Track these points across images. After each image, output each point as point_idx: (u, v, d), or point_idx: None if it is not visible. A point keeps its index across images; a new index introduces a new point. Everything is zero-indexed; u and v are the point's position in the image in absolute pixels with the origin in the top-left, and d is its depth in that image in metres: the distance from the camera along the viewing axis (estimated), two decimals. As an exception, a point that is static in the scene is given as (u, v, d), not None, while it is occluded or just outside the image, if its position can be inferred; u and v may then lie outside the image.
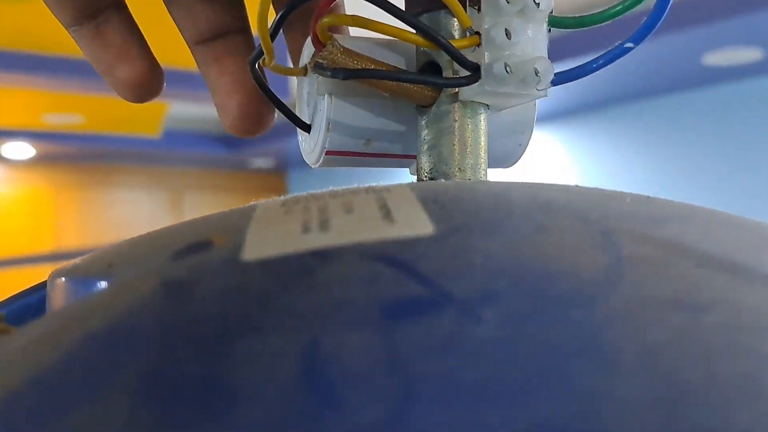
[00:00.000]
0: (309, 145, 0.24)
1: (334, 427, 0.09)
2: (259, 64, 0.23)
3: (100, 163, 3.22)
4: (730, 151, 1.96)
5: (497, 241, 0.13)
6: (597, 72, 0.21)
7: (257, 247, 0.14)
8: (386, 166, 0.26)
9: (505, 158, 0.25)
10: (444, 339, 0.10)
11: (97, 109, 2.33)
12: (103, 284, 0.15)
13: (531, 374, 0.09)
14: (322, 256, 0.13)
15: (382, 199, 0.16)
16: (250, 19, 0.25)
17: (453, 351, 0.10)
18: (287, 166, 3.65)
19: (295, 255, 0.13)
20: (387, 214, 0.15)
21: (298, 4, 0.21)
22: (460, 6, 0.20)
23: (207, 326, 0.11)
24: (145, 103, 0.26)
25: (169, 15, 0.26)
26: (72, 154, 3.09)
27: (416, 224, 0.14)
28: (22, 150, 2.96)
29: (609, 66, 0.21)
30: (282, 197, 0.18)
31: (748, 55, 1.75)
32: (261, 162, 3.46)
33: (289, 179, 3.87)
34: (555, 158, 2.36)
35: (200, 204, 3.47)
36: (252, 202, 0.19)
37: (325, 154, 0.23)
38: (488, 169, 0.25)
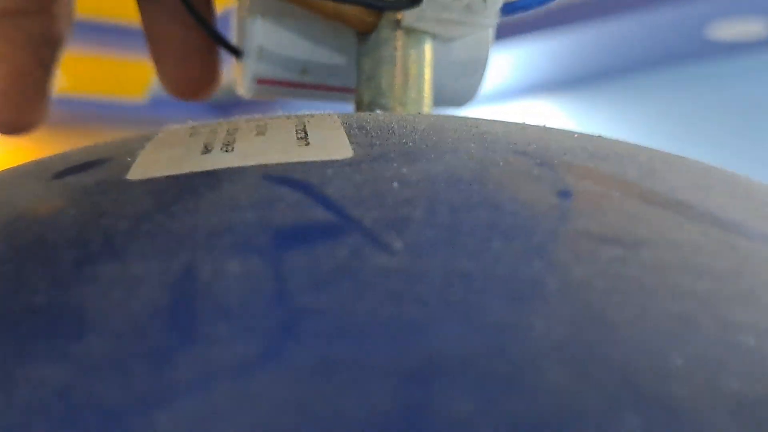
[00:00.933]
0: (242, 74, 0.22)
1: (187, 363, 0.07)
2: None
3: (82, 126, 3.11)
4: (733, 126, 1.95)
5: (419, 168, 0.11)
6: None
7: (145, 167, 0.12)
8: (326, 98, 0.24)
9: (456, 97, 0.23)
10: (339, 268, 0.09)
11: (80, 70, 2.23)
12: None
13: (432, 307, 0.08)
14: (215, 176, 0.11)
15: (303, 124, 0.15)
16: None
17: (346, 281, 0.08)
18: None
19: (185, 175, 0.12)
20: (303, 137, 0.13)
21: None
22: None
23: (64, 250, 0.09)
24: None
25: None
26: (53, 116, 2.98)
27: (333, 148, 0.13)
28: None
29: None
30: (195, 123, 0.17)
31: (753, 27, 1.72)
32: None
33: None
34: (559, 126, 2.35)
35: None
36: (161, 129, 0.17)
37: (257, 83, 0.21)
38: (441, 108, 0.24)
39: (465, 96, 0.23)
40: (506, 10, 0.19)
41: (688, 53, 1.94)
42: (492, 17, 0.18)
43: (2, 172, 0.16)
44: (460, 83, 0.23)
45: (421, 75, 0.20)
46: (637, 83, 2.10)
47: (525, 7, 0.19)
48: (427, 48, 0.20)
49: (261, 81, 0.21)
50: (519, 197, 0.11)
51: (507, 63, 1.75)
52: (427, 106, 0.20)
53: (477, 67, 0.23)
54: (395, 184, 0.11)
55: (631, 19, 1.61)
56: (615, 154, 0.13)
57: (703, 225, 0.10)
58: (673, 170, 0.13)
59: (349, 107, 0.23)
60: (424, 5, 0.18)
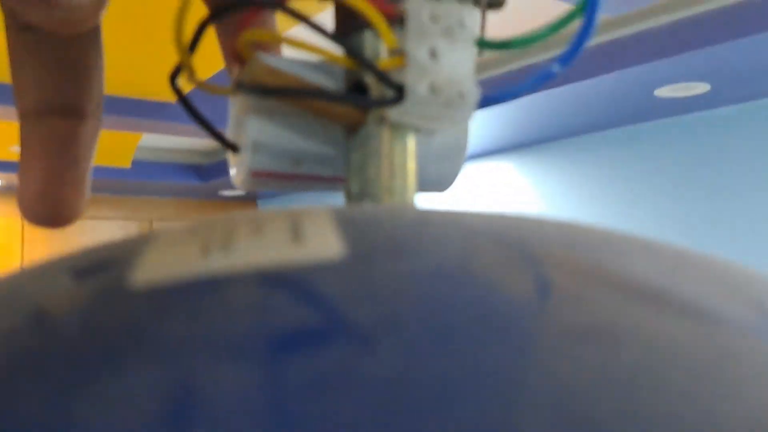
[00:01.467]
0: (237, 167, 0.23)
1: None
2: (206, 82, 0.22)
3: None
4: (682, 179, 2.03)
5: (407, 265, 0.12)
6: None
7: (145, 271, 0.13)
8: (320, 189, 0.25)
9: (437, 183, 0.24)
10: (332, 375, 0.09)
11: None
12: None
13: (419, 413, 0.08)
14: (214, 280, 0.12)
15: (296, 221, 0.15)
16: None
17: (339, 389, 0.09)
18: (257, 194, 3.61)
19: (185, 279, 0.12)
20: (297, 236, 0.14)
21: (218, 17, 0.20)
22: (386, 25, 0.19)
23: (59, 361, 0.10)
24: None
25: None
26: None
27: (324, 246, 0.13)
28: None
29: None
30: (193, 222, 0.17)
31: (697, 88, 1.82)
32: (230, 191, 3.40)
33: (259, 208, 3.85)
34: (516, 187, 2.40)
35: None
36: (161, 228, 0.18)
37: (252, 176, 0.22)
38: (425, 194, 0.24)
39: (445, 181, 0.24)
40: (482, 103, 0.20)
41: (639, 113, 2.04)
42: (469, 111, 0.19)
43: (31, 265, 0.16)
44: (440, 169, 0.23)
45: (405, 166, 0.20)
46: (592, 142, 2.19)
47: (499, 100, 0.20)
48: (410, 141, 0.21)
49: (256, 174, 0.22)
50: (503, 294, 0.11)
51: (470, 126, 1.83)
52: (411, 193, 0.21)
53: (456, 154, 0.24)
54: (385, 283, 0.11)
55: (586, 84, 1.70)
56: (590, 243, 0.14)
57: (680, 316, 0.11)
58: (646, 257, 0.14)
59: (339, 196, 0.24)
60: (406, 102, 0.19)
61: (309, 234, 0.14)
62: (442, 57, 0.19)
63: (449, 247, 0.13)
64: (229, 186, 3.20)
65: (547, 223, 0.15)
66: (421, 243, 0.13)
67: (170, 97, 2.01)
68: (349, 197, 0.21)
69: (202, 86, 0.21)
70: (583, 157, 2.20)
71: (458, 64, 0.19)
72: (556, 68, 0.19)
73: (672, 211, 1.99)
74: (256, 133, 0.21)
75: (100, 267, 0.14)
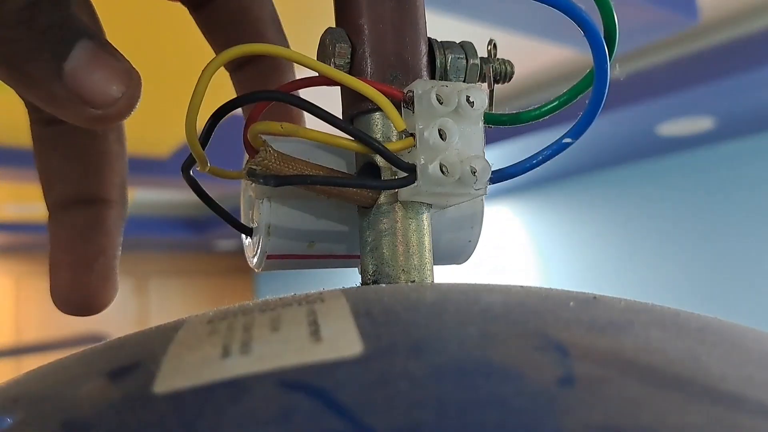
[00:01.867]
0: (251, 249, 0.23)
1: None
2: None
3: None
4: (687, 218, 1.99)
5: (426, 363, 0.12)
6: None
7: (170, 377, 0.13)
8: (332, 266, 0.25)
9: (455, 255, 0.24)
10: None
11: None
12: (7, 421, 0.14)
13: None
14: (236, 386, 0.12)
15: (313, 313, 0.15)
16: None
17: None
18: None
19: (208, 387, 0.12)
20: (315, 331, 0.14)
21: (226, 113, 0.20)
22: (394, 108, 0.20)
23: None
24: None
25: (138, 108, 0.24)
26: (33, 244, 3.04)
27: (343, 344, 0.13)
28: (-19, 241, 2.91)
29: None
30: (212, 312, 0.17)
31: (701, 124, 1.81)
32: (226, 244, 3.41)
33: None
34: (513, 232, 2.37)
35: (166, 289, 3.37)
36: (180, 319, 0.18)
37: (267, 258, 0.22)
38: (441, 266, 0.24)
39: (463, 252, 0.24)
40: (494, 178, 0.20)
41: (640, 151, 2.01)
42: (482, 186, 0.19)
43: (25, 378, 0.16)
44: (456, 240, 0.24)
45: (421, 243, 0.21)
46: (592, 182, 2.16)
47: (513, 174, 0.20)
48: (425, 217, 0.21)
49: (271, 256, 0.22)
50: (523, 389, 0.11)
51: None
52: (428, 270, 0.21)
53: (473, 224, 0.24)
54: (405, 384, 0.11)
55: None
56: (610, 324, 0.14)
57: (703, 404, 0.11)
58: (667, 337, 0.14)
59: (354, 275, 0.24)
60: (418, 182, 0.19)
61: (327, 330, 0.14)
62: (452, 136, 0.19)
63: (469, 340, 0.13)
64: (224, 237, 3.19)
65: (567, 300, 0.15)
66: (440, 336, 0.13)
67: (163, 153, 2.02)
68: (364, 276, 0.21)
69: (213, 172, 0.22)
70: (583, 198, 2.17)
71: (468, 142, 0.20)
72: (568, 140, 0.20)
73: (675, 255, 1.94)
74: (270, 217, 0.22)
75: (125, 371, 0.14)
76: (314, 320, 0.15)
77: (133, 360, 0.14)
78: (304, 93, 0.22)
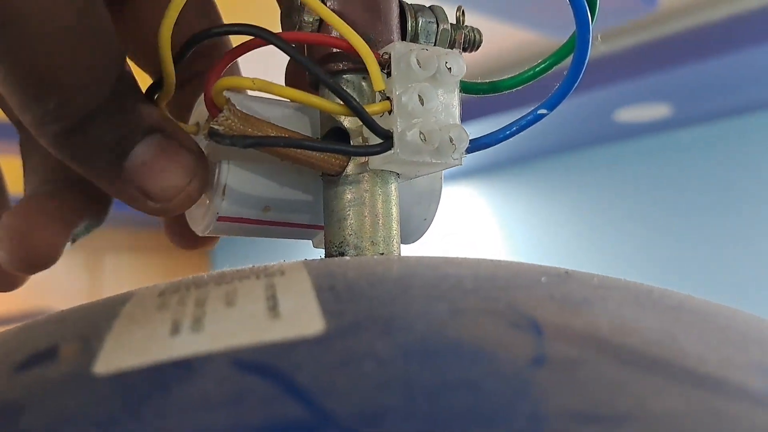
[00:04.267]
0: (198, 210, 0.22)
1: None
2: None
3: None
4: (645, 203, 2.02)
5: (393, 342, 0.11)
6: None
7: (113, 355, 0.12)
8: (287, 236, 0.24)
9: (409, 233, 0.23)
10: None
11: (12, 169, 2.26)
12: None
13: None
14: (185, 367, 0.11)
15: (272, 287, 0.14)
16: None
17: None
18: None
19: (154, 367, 0.11)
20: (273, 306, 0.13)
21: (201, 40, 0.19)
22: (377, 65, 0.18)
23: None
24: None
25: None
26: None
27: (304, 320, 0.12)
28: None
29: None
30: (164, 284, 0.16)
31: (657, 111, 1.82)
32: None
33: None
34: (477, 213, 2.39)
35: (121, 265, 3.27)
36: (130, 291, 0.17)
37: (217, 221, 0.21)
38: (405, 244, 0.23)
39: (418, 231, 0.23)
40: (470, 148, 0.19)
41: (598, 136, 2.03)
42: (458, 156, 0.19)
43: None
44: (414, 218, 0.23)
45: (389, 214, 0.20)
46: (551, 166, 2.18)
47: (488, 144, 0.19)
48: (394, 187, 0.20)
49: (221, 218, 0.21)
50: (495, 371, 0.10)
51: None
52: (396, 243, 0.20)
53: (431, 201, 0.23)
54: (369, 365, 0.11)
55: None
56: (584, 302, 0.13)
57: (682, 387, 0.10)
58: (643, 315, 0.13)
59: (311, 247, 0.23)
60: (395, 150, 0.18)
61: (286, 305, 0.13)
62: (430, 102, 0.18)
63: (438, 318, 0.12)
64: (183, 212, 3.11)
65: (538, 276, 0.15)
66: (408, 313, 0.12)
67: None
68: (329, 247, 0.20)
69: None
70: (544, 181, 2.19)
71: (446, 109, 0.19)
72: (543, 111, 0.19)
73: (634, 238, 1.97)
74: (227, 178, 0.20)
75: (64, 348, 0.13)
76: (273, 295, 0.14)
77: (74, 336, 0.13)
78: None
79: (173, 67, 0.19)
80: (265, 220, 0.21)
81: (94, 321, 0.14)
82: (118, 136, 0.18)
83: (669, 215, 1.95)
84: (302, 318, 0.12)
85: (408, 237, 0.23)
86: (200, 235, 0.22)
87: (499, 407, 0.10)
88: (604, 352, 0.11)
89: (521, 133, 0.19)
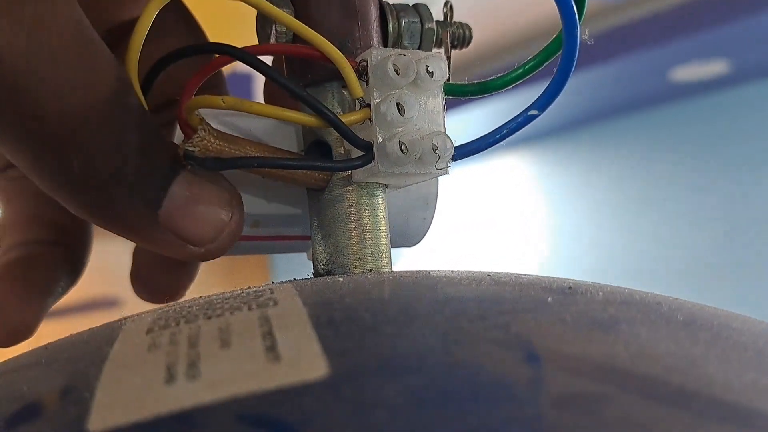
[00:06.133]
0: None
1: None
2: None
3: None
4: (702, 167, 1.90)
5: (402, 386, 0.11)
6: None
7: (106, 410, 0.11)
8: (283, 251, 0.23)
9: (409, 237, 0.23)
10: None
11: None
12: None
13: None
14: (185, 422, 0.10)
15: (267, 321, 0.14)
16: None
17: None
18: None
19: (151, 422, 0.11)
20: (272, 346, 0.12)
21: (170, 63, 0.18)
22: (353, 72, 0.18)
23: None
24: None
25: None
26: None
27: (305, 363, 0.12)
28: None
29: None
30: (150, 316, 0.16)
31: (715, 68, 1.72)
32: None
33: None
34: (520, 186, 2.27)
35: None
36: (118, 321, 0.16)
37: None
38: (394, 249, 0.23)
39: (419, 233, 0.23)
40: (457, 155, 0.18)
41: (652, 98, 1.93)
42: (444, 165, 0.18)
43: None
44: (410, 222, 0.22)
45: (377, 228, 0.19)
46: (601, 133, 2.07)
47: (476, 150, 0.19)
48: (381, 200, 0.19)
49: None
50: (515, 417, 0.10)
51: (473, 123, 1.73)
52: (385, 257, 0.19)
53: (428, 203, 0.22)
54: (381, 415, 0.10)
55: (595, 70, 1.60)
56: (596, 324, 0.13)
57: (712, 423, 0.10)
58: (658, 337, 0.13)
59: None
60: (375, 162, 0.17)
61: (285, 344, 0.12)
62: (411, 110, 0.17)
63: (446, 355, 0.11)
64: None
65: (545, 295, 0.14)
66: (414, 350, 0.12)
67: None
68: (317, 265, 0.19)
69: None
70: (594, 148, 2.06)
71: (429, 116, 0.18)
72: (534, 113, 0.18)
73: (689, 203, 1.85)
74: None
75: (54, 400, 0.12)
76: (269, 331, 0.13)
77: (62, 386, 0.13)
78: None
79: (142, 93, 0.18)
80: (256, 236, 0.21)
81: (82, 366, 0.13)
82: (150, 186, 0.17)
83: (728, 179, 1.83)
84: (304, 360, 0.12)
85: (408, 240, 0.23)
86: None
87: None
88: (627, 386, 0.11)
89: (518, 131, 0.19)
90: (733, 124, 1.82)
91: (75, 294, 0.24)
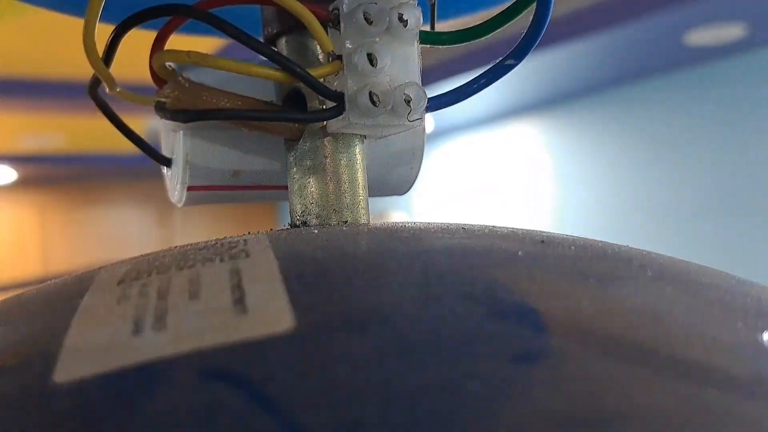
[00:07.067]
0: (172, 181, 0.21)
1: None
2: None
3: (84, 181, 3.00)
4: (717, 132, 1.86)
5: (365, 342, 0.11)
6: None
7: (72, 361, 0.11)
8: (263, 199, 0.23)
9: (397, 186, 0.22)
10: None
11: (78, 129, 2.21)
12: None
13: None
14: (150, 374, 0.11)
15: (238, 273, 0.14)
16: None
17: None
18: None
19: (116, 373, 0.11)
20: (240, 298, 0.12)
21: (128, 29, 0.18)
22: (320, 26, 0.17)
23: None
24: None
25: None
26: (55, 175, 2.92)
27: (272, 316, 0.12)
28: (3, 174, 2.75)
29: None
30: (124, 267, 0.16)
31: (731, 32, 1.67)
32: None
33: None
34: (533, 153, 2.23)
35: (191, 218, 3.21)
36: (92, 271, 0.16)
37: (187, 190, 0.20)
38: (385, 196, 0.23)
39: (403, 185, 0.23)
40: (431, 106, 0.18)
41: (666, 62, 1.86)
42: (417, 116, 0.18)
43: None
44: (396, 173, 0.22)
45: (353, 180, 0.19)
46: (615, 98, 2.02)
47: (451, 102, 0.19)
48: (358, 150, 0.19)
49: (192, 188, 0.20)
50: (477, 372, 0.10)
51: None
52: (362, 209, 0.19)
53: (414, 154, 0.22)
54: (344, 369, 0.10)
55: (608, 35, 1.55)
56: (564, 278, 0.13)
57: (669, 380, 0.10)
58: (626, 290, 0.13)
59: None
60: (346, 114, 0.17)
61: (253, 296, 0.12)
62: (382, 60, 0.17)
63: (413, 310, 0.11)
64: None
65: (513, 245, 0.14)
66: (381, 305, 0.12)
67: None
68: (293, 216, 0.19)
69: (122, 96, 0.19)
70: (606, 114, 2.01)
71: (402, 66, 0.18)
72: (511, 62, 0.18)
73: (704, 169, 1.79)
74: (188, 149, 0.19)
75: (20, 353, 0.12)
76: (238, 283, 0.13)
77: (31, 337, 0.13)
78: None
79: (105, 66, 0.18)
80: (236, 185, 0.21)
81: (51, 318, 0.13)
82: None
83: (744, 145, 1.79)
84: (270, 313, 0.12)
85: (396, 190, 0.22)
86: (178, 206, 0.21)
87: (480, 412, 0.09)
88: (589, 343, 0.11)
89: (492, 84, 0.18)
90: (750, 89, 1.77)
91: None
